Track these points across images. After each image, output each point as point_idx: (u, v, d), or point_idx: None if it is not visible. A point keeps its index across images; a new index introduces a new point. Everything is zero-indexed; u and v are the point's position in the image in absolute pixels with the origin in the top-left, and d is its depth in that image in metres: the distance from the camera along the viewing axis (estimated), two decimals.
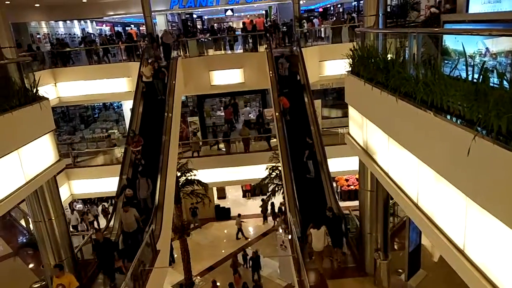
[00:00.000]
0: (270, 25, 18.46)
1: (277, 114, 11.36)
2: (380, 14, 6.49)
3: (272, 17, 24.90)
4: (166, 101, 11.40)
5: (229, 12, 25.40)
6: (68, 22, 24.45)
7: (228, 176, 15.52)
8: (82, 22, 25.82)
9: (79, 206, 17.80)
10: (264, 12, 28.80)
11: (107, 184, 13.05)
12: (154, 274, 7.50)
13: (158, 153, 9.95)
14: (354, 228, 8.95)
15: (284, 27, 19.05)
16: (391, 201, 7.86)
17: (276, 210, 17.56)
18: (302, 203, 9.06)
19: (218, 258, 15.83)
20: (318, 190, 9.91)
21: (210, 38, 17.46)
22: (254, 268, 13.99)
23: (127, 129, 12.49)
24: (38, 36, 21.64)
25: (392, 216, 9.46)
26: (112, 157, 15.48)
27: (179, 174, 13.57)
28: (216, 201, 20.07)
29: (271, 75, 12.57)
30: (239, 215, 17.38)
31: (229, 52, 16.44)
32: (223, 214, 19.15)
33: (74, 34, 24.80)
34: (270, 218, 18.00)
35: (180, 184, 13.94)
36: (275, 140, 13.60)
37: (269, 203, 17.28)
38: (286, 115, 11.51)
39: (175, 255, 15.03)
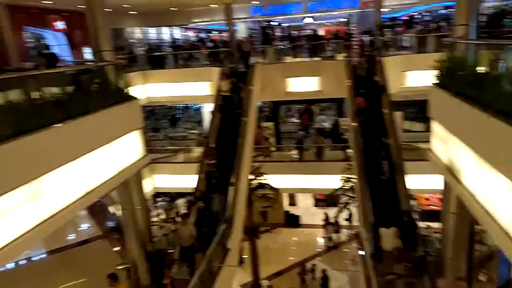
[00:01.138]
0: (350, 33, 18.09)
1: (353, 124, 11.08)
2: (472, 24, 6.03)
3: (351, 25, 24.37)
4: (242, 108, 11.56)
5: (308, 20, 25.42)
6: (158, 28, 26.52)
7: (299, 184, 15.45)
8: (171, 28, 27.79)
9: (163, 203, 18.70)
10: (343, 19, 28.29)
11: (185, 180, 13.83)
12: (224, 272, 7.76)
13: (232, 168, 10.08)
14: (434, 252, 8.35)
15: (365, 35, 18.54)
16: (477, 227, 7.19)
17: (332, 220, 17.08)
18: (375, 205, 8.73)
19: (286, 264, 15.83)
20: (392, 193, 9.45)
21: (288, 45, 17.63)
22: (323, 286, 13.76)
23: (204, 131, 13.05)
24: (132, 40, 23.81)
25: (479, 244, 8.63)
26: (191, 155, 16.35)
27: (251, 177, 13.88)
28: (287, 207, 20.09)
29: (348, 84, 12.31)
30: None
31: (307, 59, 16.43)
32: (292, 221, 19.10)
33: (163, 39, 26.76)
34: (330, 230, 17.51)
35: (252, 187, 14.25)
36: (350, 150, 13.24)
37: (329, 212, 16.84)
38: (361, 115, 11.13)
39: (245, 257, 15.37)
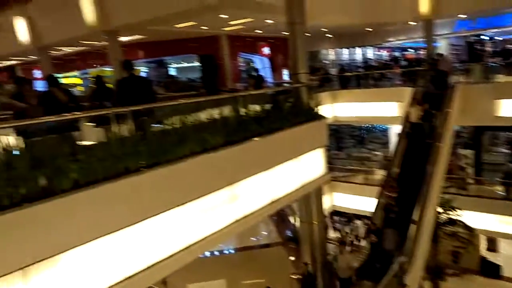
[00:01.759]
0: None
1: None
2: None
3: None
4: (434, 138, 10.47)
5: None
6: (351, 48, 26.97)
7: (503, 227, 12.89)
8: (364, 48, 27.82)
9: (337, 225, 18.74)
10: None
11: (364, 202, 13.52)
12: None
13: (415, 200, 9.29)
14: None
15: None
16: None
17: None
18: None
19: None
20: None
21: (501, 62, 15.07)
22: None
23: (389, 154, 12.43)
24: (326, 61, 25.00)
25: None
26: (373, 177, 15.87)
27: (440, 210, 12.41)
28: (484, 252, 17.00)
29: None
30: None
31: None
32: (490, 269, 15.99)
33: (356, 59, 27.03)
34: None
35: (440, 221, 12.72)
36: None
37: None
38: None
39: None
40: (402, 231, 8.70)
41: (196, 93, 11.08)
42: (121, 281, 4.01)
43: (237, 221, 5.53)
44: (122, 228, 3.99)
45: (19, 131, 4.79)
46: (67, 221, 3.56)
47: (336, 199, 15.37)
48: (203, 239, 4.96)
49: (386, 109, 14.95)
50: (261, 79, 10.19)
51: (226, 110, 6.11)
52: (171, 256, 4.52)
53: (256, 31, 16.90)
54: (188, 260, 4.80)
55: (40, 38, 14.35)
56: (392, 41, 23.70)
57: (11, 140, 4.23)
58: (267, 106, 6.75)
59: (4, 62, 21.58)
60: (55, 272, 3.53)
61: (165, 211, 4.43)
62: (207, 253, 10.63)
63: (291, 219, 12.89)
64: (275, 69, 20.00)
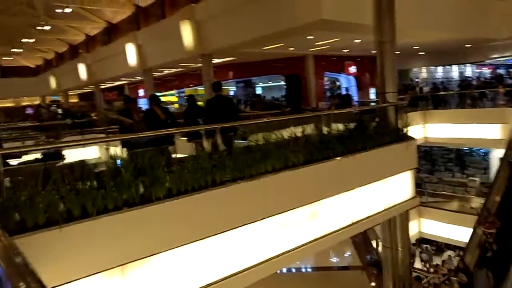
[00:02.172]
0: None
1: None
2: None
3: None
4: None
5: None
6: (446, 66, 25.11)
7: None
8: (461, 66, 25.71)
9: (424, 255, 17.34)
10: None
11: (456, 231, 12.34)
12: None
13: None
14: None
15: None
16: None
17: None
18: None
19: None
20: None
21: None
22: None
23: (488, 181, 11.22)
24: (417, 80, 23.64)
25: None
26: (468, 205, 14.43)
27: None
28: None
29: None
30: None
31: None
32: None
33: (452, 77, 25.10)
34: None
35: None
36: None
37: None
38: None
39: None
40: (499, 274, 7.72)
41: (279, 111, 11.38)
42: None
43: (316, 239, 5.51)
44: (206, 237, 4.29)
45: (124, 143, 5.46)
46: (160, 226, 3.95)
47: (425, 226, 14.26)
48: (281, 255, 5.05)
49: (486, 131, 13.59)
50: (349, 98, 10.09)
51: (309, 129, 6.21)
52: (248, 269, 4.68)
53: (344, 50, 16.80)
54: (264, 274, 4.92)
55: (146, 61, 16.15)
56: (497, 58, 21.52)
57: (118, 150, 4.86)
58: (351, 125, 6.68)
59: (115, 82, 24.59)
60: (148, 271, 3.92)
61: (246, 224, 4.64)
62: (284, 269, 10.62)
63: (373, 243, 12.28)
64: (361, 88, 19.57)
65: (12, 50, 26.53)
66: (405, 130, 7.35)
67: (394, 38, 7.47)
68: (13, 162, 5.22)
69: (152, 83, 17.28)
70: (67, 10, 17.43)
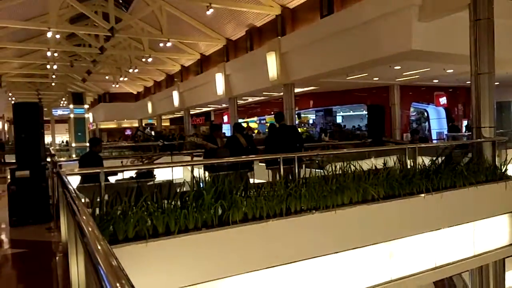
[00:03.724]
0: None
1: None
2: None
3: None
4: None
5: None
6: None
7: None
8: None
9: None
10: None
11: None
12: None
13: None
14: None
15: None
16: None
17: None
18: None
19: None
20: None
21: None
22: None
23: None
24: None
25: None
26: None
27: None
28: None
29: None
30: None
31: None
32: None
33: None
34: None
35: None
36: None
37: None
38: None
39: None
40: None
41: (360, 141, 11.08)
42: None
43: (393, 280, 5.17)
44: (277, 265, 4.31)
45: (207, 167, 5.82)
46: (234, 249, 4.09)
47: None
48: None
49: None
50: (425, 140, 9.51)
51: (391, 161, 5.96)
52: None
53: (434, 80, 15.90)
54: None
55: (232, 90, 17.11)
56: None
57: (201, 173, 5.19)
58: (439, 160, 6.25)
59: (203, 108, 26.34)
60: None
61: (318, 256, 4.56)
62: None
63: None
64: (452, 120, 18.18)
65: (120, 78, 30.15)
66: (503, 168, 6.63)
67: (493, 69, 6.92)
68: (112, 179, 5.88)
69: (236, 110, 18.16)
70: (168, 44, 19.40)
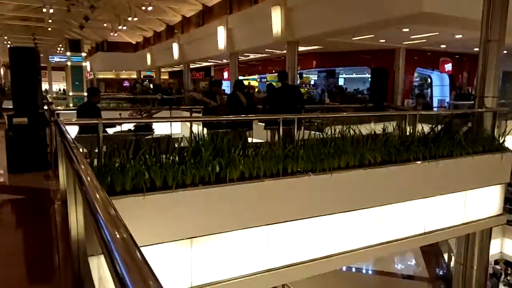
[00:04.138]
0: None
1: None
2: None
3: None
4: None
5: None
6: None
7: None
8: None
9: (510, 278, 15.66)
10: None
11: None
12: None
13: None
14: None
15: None
16: None
17: None
18: None
19: None
20: None
21: None
22: None
23: None
24: None
25: None
26: None
27: None
28: None
29: None
30: None
31: None
32: None
33: None
34: None
35: None
36: None
37: None
38: None
39: None
40: None
41: (360, 106, 10.99)
42: (261, 272, 4.44)
43: (383, 243, 5.34)
44: (271, 223, 4.41)
45: (205, 123, 5.78)
46: (230, 206, 4.16)
47: (508, 247, 12.84)
48: (344, 253, 5.00)
49: None
50: (428, 107, 9.40)
51: (390, 127, 5.94)
52: (309, 261, 4.72)
53: (442, 46, 15.51)
54: (325, 269, 4.94)
55: (234, 45, 16.66)
56: None
57: (200, 129, 5.17)
58: (438, 128, 6.23)
59: (203, 63, 25.82)
60: (213, 247, 4.18)
61: (312, 217, 4.66)
62: (343, 268, 10.46)
63: (445, 256, 11.44)
64: (456, 88, 17.96)
65: (119, 27, 29.20)
66: (501, 140, 6.64)
67: (503, 37, 6.73)
68: (110, 130, 5.85)
69: (236, 66, 17.80)
70: None
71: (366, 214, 5.14)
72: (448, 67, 17.50)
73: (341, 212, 4.89)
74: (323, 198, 4.76)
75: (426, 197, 5.70)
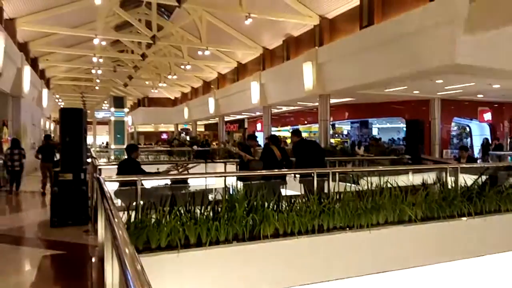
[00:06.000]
0: None
1: None
2: None
3: None
4: None
5: None
6: None
7: None
8: None
9: None
10: None
11: None
12: None
13: None
14: None
15: None
16: None
17: None
18: None
19: None
20: None
21: None
22: None
23: None
24: None
25: None
26: None
27: None
28: None
29: None
30: None
31: None
32: None
33: None
34: None
35: None
36: None
37: None
38: None
39: None
40: None
41: (396, 158, 10.72)
42: None
43: None
44: (307, 283, 4.22)
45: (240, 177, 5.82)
46: (264, 264, 4.06)
47: None
48: None
49: None
50: (473, 160, 9.02)
51: (429, 179, 5.72)
52: None
53: (479, 95, 15.16)
54: None
55: (267, 99, 17.15)
56: None
57: (233, 182, 5.21)
58: (481, 181, 5.92)
59: (237, 116, 26.59)
60: None
61: (350, 277, 4.43)
62: None
63: None
64: (497, 137, 17.23)
65: (159, 84, 31.10)
66: None
67: None
68: (148, 184, 6.01)
69: (269, 118, 18.16)
70: (206, 53, 19.79)
71: (408, 275, 4.82)
72: (488, 116, 16.95)
73: (380, 272, 4.61)
74: (361, 257, 4.55)
75: (475, 257, 5.29)
